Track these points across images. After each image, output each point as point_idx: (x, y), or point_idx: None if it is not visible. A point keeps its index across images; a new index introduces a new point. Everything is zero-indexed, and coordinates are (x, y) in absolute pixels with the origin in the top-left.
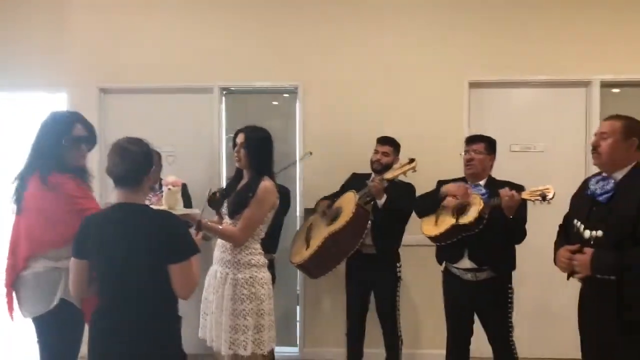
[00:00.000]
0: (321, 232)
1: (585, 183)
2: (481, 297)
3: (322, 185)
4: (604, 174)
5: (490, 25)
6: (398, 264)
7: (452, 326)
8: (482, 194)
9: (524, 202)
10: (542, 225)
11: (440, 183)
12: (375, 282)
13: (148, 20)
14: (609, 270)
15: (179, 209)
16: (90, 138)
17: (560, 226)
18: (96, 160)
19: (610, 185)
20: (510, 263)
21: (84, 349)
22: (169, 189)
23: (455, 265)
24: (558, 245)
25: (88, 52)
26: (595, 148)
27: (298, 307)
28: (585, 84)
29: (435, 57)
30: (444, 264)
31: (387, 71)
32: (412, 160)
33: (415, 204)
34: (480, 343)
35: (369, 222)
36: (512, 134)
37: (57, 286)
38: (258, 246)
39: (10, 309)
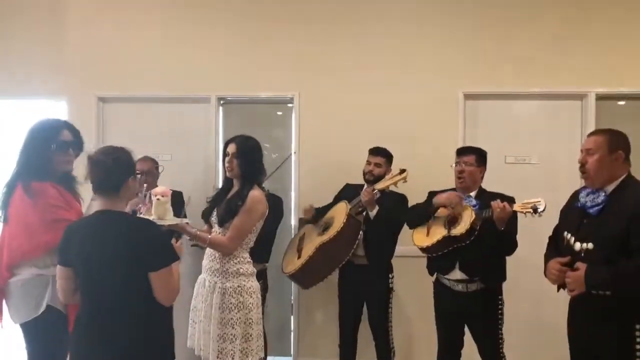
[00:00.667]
0: (312, 242)
1: (575, 195)
2: (472, 308)
3: (317, 195)
4: None
5: (485, 37)
6: (391, 275)
7: (443, 337)
8: (473, 205)
9: (514, 214)
10: (533, 237)
11: (432, 194)
12: (367, 293)
13: (146, 31)
14: (604, 285)
15: (169, 219)
16: (77, 143)
17: (550, 238)
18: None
19: (600, 198)
20: (500, 274)
21: None
22: (158, 199)
23: (446, 276)
24: (548, 257)
25: (88, 62)
26: (582, 165)
27: (292, 317)
28: (581, 96)
29: (430, 69)
30: (435, 275)
31: (383, 82)
32: (402, 171)
33: (407, 215)
34: (471, 356)
35: (361, 232)
36: (507, 145)
37: (44, 293)
38: (247, 255)
39: (0, 315)
